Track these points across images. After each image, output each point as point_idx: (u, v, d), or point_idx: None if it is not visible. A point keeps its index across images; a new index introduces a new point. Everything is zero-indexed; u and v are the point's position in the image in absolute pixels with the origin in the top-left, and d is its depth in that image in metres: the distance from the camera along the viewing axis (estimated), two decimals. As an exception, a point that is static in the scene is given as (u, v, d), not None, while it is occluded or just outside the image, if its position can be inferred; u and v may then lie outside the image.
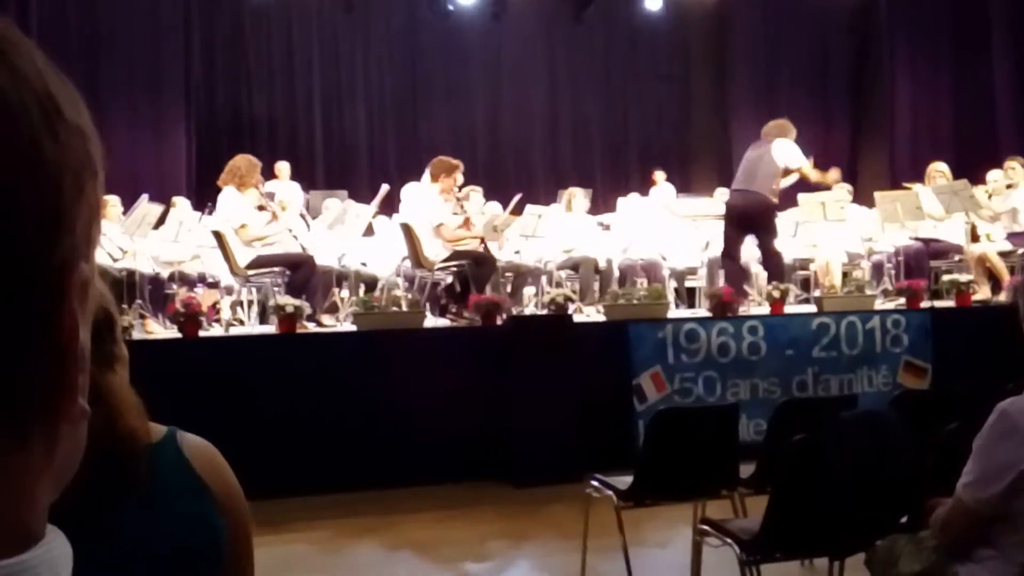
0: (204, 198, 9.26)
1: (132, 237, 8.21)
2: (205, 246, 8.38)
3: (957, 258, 8.65)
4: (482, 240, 8.09)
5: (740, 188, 8.18)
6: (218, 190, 7.67)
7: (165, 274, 8.28)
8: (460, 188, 8.55)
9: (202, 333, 6.61)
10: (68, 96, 0.44)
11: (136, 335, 6.84)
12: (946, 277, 8.20)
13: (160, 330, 7.31)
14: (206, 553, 1.07)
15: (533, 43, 13.95)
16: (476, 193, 9.37)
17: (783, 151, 8.12)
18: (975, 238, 8.63)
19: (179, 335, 6.49)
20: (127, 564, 1.03)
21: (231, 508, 1.12)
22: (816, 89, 14.06)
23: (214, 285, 8.70)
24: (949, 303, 7.89)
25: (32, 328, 0.42)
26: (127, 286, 7.64)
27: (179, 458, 1.11)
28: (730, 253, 8.25)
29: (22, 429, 0.42)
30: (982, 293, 8.09)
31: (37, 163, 0.41)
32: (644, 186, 11.56)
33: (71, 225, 0.43)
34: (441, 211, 7.92)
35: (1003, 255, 8.39)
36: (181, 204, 9.34)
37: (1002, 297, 7.90)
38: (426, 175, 8.26)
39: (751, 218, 8.11)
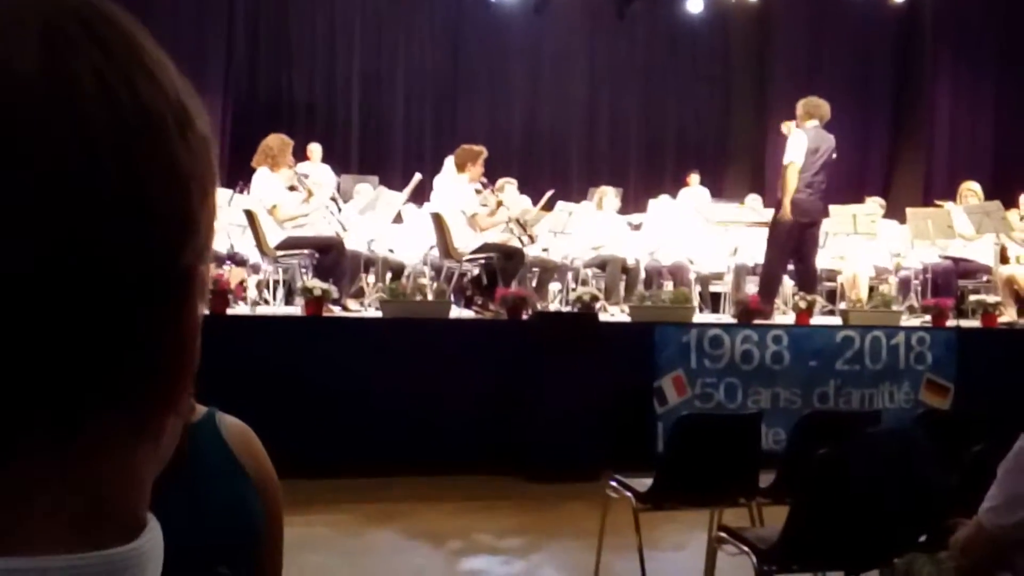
0: (238, 177, 9.34)
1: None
2: (235, 224, 8.46)
3: (985, 279, 8.61)
4: (519, 223, 8.10)
5: (816, 192, 7.72)
6: (251, 170, 7.73)
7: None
8: (493, 181, 8.60)
9: (228, 311, 6.67)
10: (196, 106, 0.47)
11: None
12: (973, 297, 8.17)
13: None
14: (243, 534, 1.08)
15: (574, 38, 13.95)
16: (511, 185, 9.40)
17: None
18: (1004, 260, 8.58)
19: (205, 311, 6.53)
20: (167, 544, 1.03)
21: (265, 490, 1.12)
22: (856, 100, 13.94)
23: (242, 263, 8.78)
24: (975, 323, 7.86)
25: (161, 326, 0.44)
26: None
27: (218, 439, 1.11)
28: (783, 268, 7.92)
29: (143, 421, 0.45)
30: (1008, 315, 8.06)
31: (172, 170, 0.44)
32: (679, 187, 11.55)
33: (197, 229, 0.45)
34: (472, 201, 7.95)
35: (1031, 278, 8.35)
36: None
37: (1029, 320, 7.86)
38: (449, 165, 8.26)
39: (815, 224, 7.79)
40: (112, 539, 0.44)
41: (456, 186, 8.03)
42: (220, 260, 8.57)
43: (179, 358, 0.46)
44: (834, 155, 7.87)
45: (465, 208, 7.84)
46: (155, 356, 0.44)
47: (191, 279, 0.46)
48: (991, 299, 7.91)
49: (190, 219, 0.45)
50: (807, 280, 7.89)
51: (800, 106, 7.94)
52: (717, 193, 11.40)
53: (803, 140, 7.70)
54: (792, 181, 7.66)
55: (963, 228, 8.62)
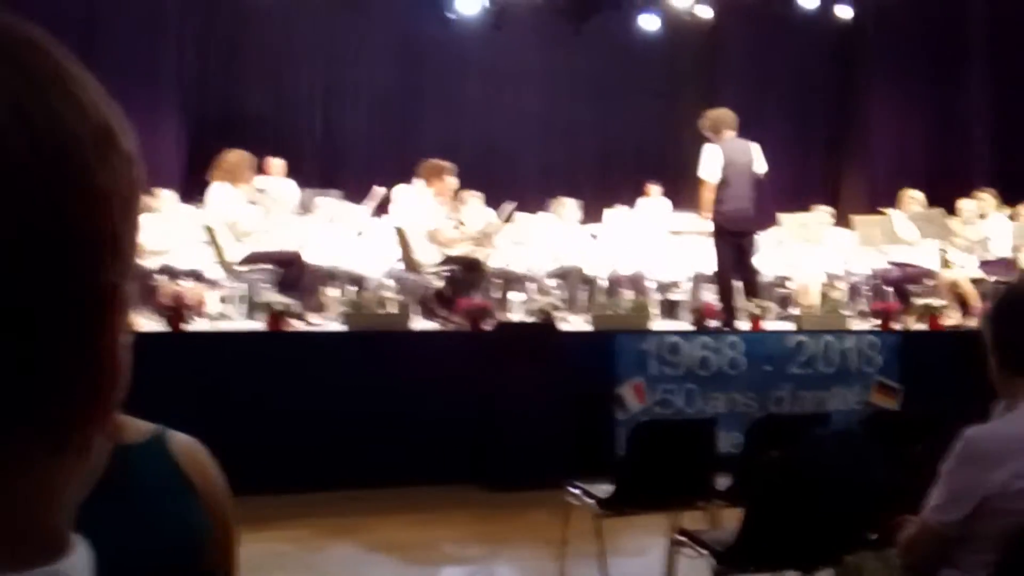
0: (195, 191, 9.28)
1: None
2: (194, 239, 8.42)
3: (930, 283, 8.83)
4: (479, 243, 8.16)
5: (743, 203, 7.67)
6: (208, 184, 7.70)
7: (151, 265, 8.28)
8: (456, 192, 8.65)
9: (189, 327, 6.63)
10: (119, 123, 0.47)
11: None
12: (919, 301, 8.37)
13: (142, 322, 7.28)
14: (192, 553, 1.07)
15: (531, 54, 14.05)
16: (475, 199, 9.46)
17: (761, 156, 7.80)
18: (947, 264, 8.82)
19: (165, 328, 6.48)
20: (110, 565, 1.00)
21: (217, 508, 1.10)
22: (800, 113, 14.29)
23: (202, 279, 8.72)
24: (921, 326, 8.06)
25: (82, 347, 0.44)
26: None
27: (166, 457, 1.10)
28: (731, 277, 7.83)
29: (65, 442, 0.45)
30: (953, 318, 8.27)
31: (90, 191, 0.44)
32: (633, 198, 11.68)
33: (119, 247, 0.45)
34: (434, 215, 8.00)
35: (974, 282, 8.58)
36: (164, 196, 9.30)
37: (972, 322, 8.08)
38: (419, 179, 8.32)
39: (748, 234, 7.79)
40: (33, 560, 0.43)
41: (418, 199, 8.07)
42: (179, 276, 8.52)
43: (100, 376, 0.46)
44: (760, 169, 7.76)
45: (427, 223, 7.89)
46: (74, 374, 0.44)
47: (112, 297, 0.45)
48: (936, 303, 8.13)
49: (110, 238, 0.45)
50: (749, 287, 7.91)
51: (708, 128, 7.81)
52: (671, 204, 11.57)
53: (716, 155, 7.66)
54: (706, 197, 7.74)
55: (906, 234, 8.85)
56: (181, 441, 1.12)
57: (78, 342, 0.44)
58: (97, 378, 0.45)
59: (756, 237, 8.18)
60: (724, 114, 7.89)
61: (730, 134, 7.80)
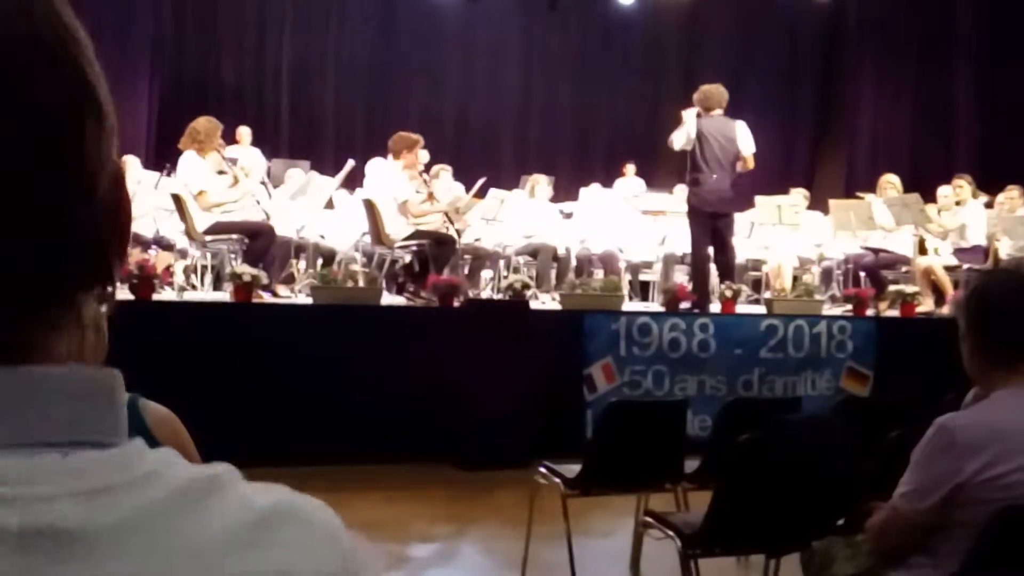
0: (164, 159, 9.14)
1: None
2: (162, 208, 8.29)
3: (904, 269, 8.85)
4: (447, 216, 8.10)
5: (718, 184, 7.58)
6: (178, 152, 7.58)
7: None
8: (428, 167, 8.56)
9: (155, 296, 6.55)
10: (106, 95, 0.58)
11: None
12: (892, 287, 8.39)
13: (109, 291, 7.19)
14: None
15: (507, 28, 13.95)
16: (446, 172, 9.39)
17: (747, 135, 7.71)
18: (923, 251, 8.83)
19: (131, 297, 6.40)
20: None
21: None
22: (782, 95, 14.25)
23: (169, 248, 8.61)
24: (894, 313, 8.08)
25: (113, 207, 0.57)
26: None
27: (140, 425, 1.10)
28: (705, 257, 7.79)
29: (106, 283, 0.57)
30: (926, 305, 8.29)
31: (106, 111, 0.56)
32: (609, 177, 11.64)
33: (117, 146, 0.58)
34: (405, 188, 7.92)
35: (948, 269, 8.60)
36: (132, 164, 9.16)
37: (945, 310, 8.11)
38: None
39: (724, 215, 7.70)
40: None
41: (389, 172, 7.99)
42: (146, 244, 8.39)
43: (117, 236, 0.58)
44: (746, 150, 7.66)
45: (397, 195, 7.82)
46: (103, 237, 0.56)
47: (119, 177, 0.58)
48: (910, 289, 8.13)
49: (114, 138, 0.56)
50: (723, 269, 7.88)
51: (697, 102, 7.77)
52: (647, 183, 11.55)
53: (691, 127, 7.61)
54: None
55: (883, 220, 8.85)
56: (154, 409, 1.14)
57: (106, 211, 0.56)
58: (116, 237, 0.57)
59: (733, 218, 8.14)
60: (712, 90, 7.82)
61: (716, 112, 7.73)
